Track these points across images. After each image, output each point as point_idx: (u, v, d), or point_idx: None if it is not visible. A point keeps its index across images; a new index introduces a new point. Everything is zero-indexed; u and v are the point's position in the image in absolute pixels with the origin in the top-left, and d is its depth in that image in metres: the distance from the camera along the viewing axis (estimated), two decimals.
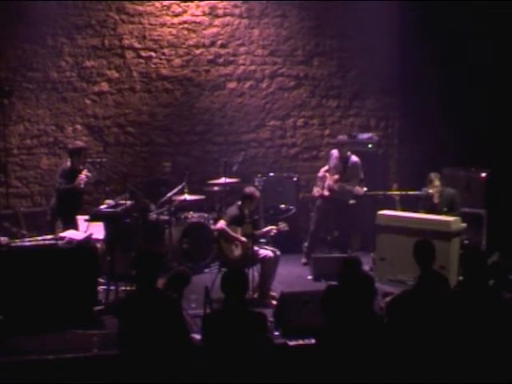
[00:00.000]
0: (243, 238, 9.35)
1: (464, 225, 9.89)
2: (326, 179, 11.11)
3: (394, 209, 10.48)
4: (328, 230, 11.51)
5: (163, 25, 12.26)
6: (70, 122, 12.09)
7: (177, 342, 6.06)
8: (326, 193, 11.06)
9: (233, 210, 9.62)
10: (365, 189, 10.82)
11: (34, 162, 12.00)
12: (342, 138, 11.51)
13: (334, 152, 11.34)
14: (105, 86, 12.19)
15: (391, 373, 5.54)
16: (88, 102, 12.15)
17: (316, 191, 11.22)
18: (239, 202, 9.63)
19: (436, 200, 10.22)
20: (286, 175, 12.52)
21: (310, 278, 10.58)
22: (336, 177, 11.01)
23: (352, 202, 11.28)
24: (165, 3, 12.23)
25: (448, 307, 6.26)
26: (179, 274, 7.65)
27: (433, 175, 10.24)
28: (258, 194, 9.73)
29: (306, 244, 11.44)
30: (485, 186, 10.98)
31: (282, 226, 9.69)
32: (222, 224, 9.45)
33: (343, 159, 11.16)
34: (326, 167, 11.30)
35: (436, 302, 6.35)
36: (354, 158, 11.19)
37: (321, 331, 5.84)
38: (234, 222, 9.44)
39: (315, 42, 12.97)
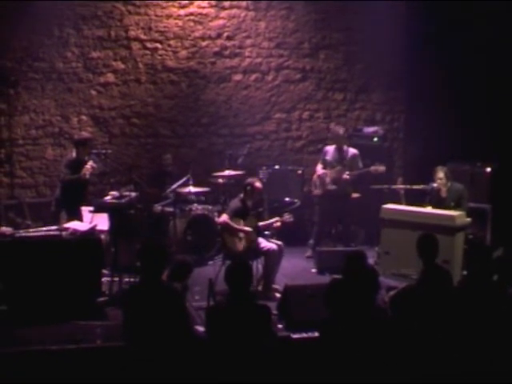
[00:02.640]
0: (247, 228, 9.34)
1: (469, 219, 9.87)
2: (326, 176, 11.05)
3: (399, 203, 10.47)
4: (332, 224, 11.52)
5: (169, 16, 12.25)
6: (75, 112, 12.09)
7: (180, 334, 6.06)
8: (332, 187, 11.02)
9: (235, 203, 9.60)
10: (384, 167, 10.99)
11: (39, 153, 12.01)
12: (339, 129, 11.42)
13: (329, 148, 11.29)
14: (110, 77, 12.19)
15: (394, 367, 5.54)
16: (93, 92, 12.16)
17: (318, 191, 11.19)
18: (241, 195, 9.62)
19: (444, 194, 10.19)
20: (290, 168, 12.49)
21: (314, 271, 10.58)
22: (340, 168, 10.96)
23: (356, 195, 11.30)
24: None
25: (451, 302, 6.26)
26: (181, 263, 7.63)
27: (438, 168, 10.21)
28: (258, 184, 9.67)
29: (311, 241, 11.43)
30: (490, 180, 10.96)
31: (287, 217, 9.68)
32: (224, 218, 9.45)
33: (341, 152, 11.14)
34: (320, 165, 11.24)
35: (439, 297, 6.36)
36: (353, 150, 11.17)
37: (324, 324, 5.85)
38: (236, 214, 9.42)
39: (321, 35, 12.96)
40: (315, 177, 11.25)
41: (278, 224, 9.66)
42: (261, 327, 5.95)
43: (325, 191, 11.09)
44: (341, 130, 11.28)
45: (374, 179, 10.99)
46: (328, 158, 11.17)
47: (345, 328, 5.66)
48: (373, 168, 10.95)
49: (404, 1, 12.51)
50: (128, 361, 6.07)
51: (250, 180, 9.68)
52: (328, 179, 11.04)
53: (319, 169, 11.17)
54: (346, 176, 10.92)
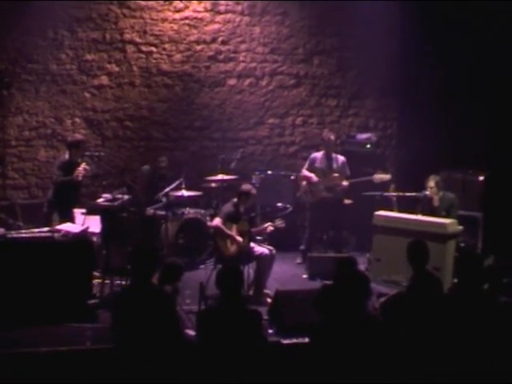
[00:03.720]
0: (239, 238, 9.35)
1: (460, 227, 9.88)
2: (319, 183, 11.05)
3: (391, 210, 10.49)
4: (324, 230, 11.52)
5: (164, 20, 12.26)
6: (68, 114, 12.08)
7: (170, 337, 6.06)
8: (328, 194, 11.04)
9: (228, 207, 9.61)
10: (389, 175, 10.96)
11: (31, 154, 11.99)
12: (330, 135, 11.40)
13: (318, 154, 11.31)
14: (104, 80, 12.18)
15: (384, 373, 5.55)
16: (87, 95, 12.15)
17: (311, 198, 11.18)
18: (235, 199, 9.63)
19: (436, 204, 10.21)
20: (283, 173, 12.49)
21: (305, 276, 10.59)
22: (336, 175, 10.97)
23: (348, 201, 11.30)
24: None
25: (441, 308, 6.27)
26: (171, 266, 7.64)
27: (431, 177, 10.23)
28: (254, 191, 9.71)
29: (302, 247, 11.42)
30: (482, 188, 10.98)
31: (279, 222, 9.69)
32: (217, 221, 9.45)
33: (330, 159, 11.15)
34: (306, 172, 11.24)
35: (429, 303, 6.37)
36: (341, 157, 11.20)
37: (315, 330, 5.85)
38: (229, 219, 9.43)
39: (316, 41, 12.99)
40: (306, 184, 11.22)
41: (271, 229, 9.66)
42: (251, 332, 5.95)
43: (318, 198, 11.09)
44: (332, 136, 11.29)
45: (371, 186, 10.96)
46: (317, 165, 11.18)
47: (335, 334, 5.66)
48: (376, 177, 10.91)
49: (398, 7, 12.51)
50: (118, 363, 6.07)
51: (246, 188, 9.67)
52: (322, 186, 11.04)
53: (312, 175, 11.14)
54: (345, 183, 10.91)
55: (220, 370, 5.71)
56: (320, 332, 5.78)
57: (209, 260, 10.74)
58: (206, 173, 11.56)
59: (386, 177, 10.93)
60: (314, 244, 11.39)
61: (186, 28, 12.38)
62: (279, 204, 11.95)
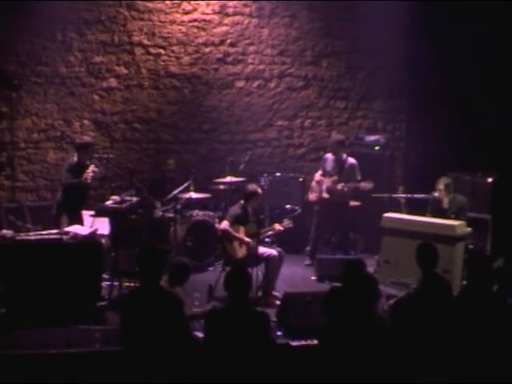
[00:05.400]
0: (247, 239, 9.34)
1: (469, 229, 9.85)
2: (322, 183, 11.05)
3: (400, 211, 10.47)
4: (331, 232, 11.51)
5: (173, 22, 12.27)
6: (77, 117, 12.10)
7: (178, 339, 6.06)
8: (326, 195, 11.01)
9: (235, 210, 9.60)
10: (372, 184, 10.82)
11: (40, 156, 12.02)
12: (333, 136, 11.38)
13: (329, 156, 11.28)
14: (113, 82, 12.20)
15: (392, 375, 5.54)
16: (96, 97, 12.17)
17: (313, 196, 11.19)
18: (242, 201, 9.61)
19: (445, 206, 10.18)
20: (292, 175, 12.52)
21: (313, 278, 10.58)
22: (335, 178, 10.96)
23: (355, 203, 11.28)
24: (175, 1, 12.24)
25: (450, 311, 6.26)
26: (179, 266, 7.64)
27: (441, 179, 10.19)
28: (260, 190, 9.71)
29: (308, 248, 11.41)
30: (491, 191, 10.95)
31: (286, 223, 9.71)
32: (224, 225, 9.44)
33: (339, 161, 11.12)
34: (320, 172, 11.23)
35: (438, 306, 6.35)
36: (351, 160, 11.14)
37: (323, 332, 5.85)
38: (237, 221, 9.43)
39: (324, 43, 12.97)
40: (313, 182, 11.25)
41: (280, 228, 9.66)
42: (259, 334, 5.94)
43: (320, 198, 11.09)
44: (333, 138, 11.32)
45: (375, 187, 10.94)
46: (327, 166, 11.18)
47: (344, 336, 5.65)
48: (362, 184, 10.87)
49: (407, 9, 12.49)
50: (126, 365, 6.07)
51: (252, 188, 9.66)
52: (324, 187, 11.04)
53: (317, 175, 11.16)
54: (340, 187, 10.87)
55: (228, 372, 5.71)
56: (328, 334, 5.78)
57: (217, 262, 10.73)
58: (214, 175, 11.59)
59: (369, 185, 10.84)
60: (319, 245, 11.37)
61: (195, 30, 12.39)
62: (288, 206, 11.94)
